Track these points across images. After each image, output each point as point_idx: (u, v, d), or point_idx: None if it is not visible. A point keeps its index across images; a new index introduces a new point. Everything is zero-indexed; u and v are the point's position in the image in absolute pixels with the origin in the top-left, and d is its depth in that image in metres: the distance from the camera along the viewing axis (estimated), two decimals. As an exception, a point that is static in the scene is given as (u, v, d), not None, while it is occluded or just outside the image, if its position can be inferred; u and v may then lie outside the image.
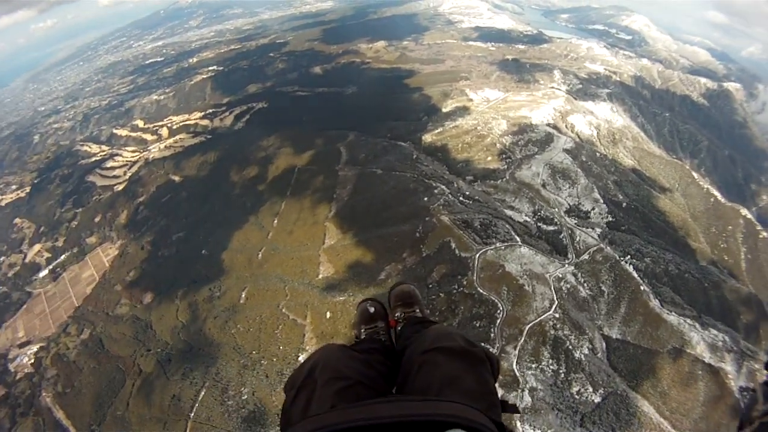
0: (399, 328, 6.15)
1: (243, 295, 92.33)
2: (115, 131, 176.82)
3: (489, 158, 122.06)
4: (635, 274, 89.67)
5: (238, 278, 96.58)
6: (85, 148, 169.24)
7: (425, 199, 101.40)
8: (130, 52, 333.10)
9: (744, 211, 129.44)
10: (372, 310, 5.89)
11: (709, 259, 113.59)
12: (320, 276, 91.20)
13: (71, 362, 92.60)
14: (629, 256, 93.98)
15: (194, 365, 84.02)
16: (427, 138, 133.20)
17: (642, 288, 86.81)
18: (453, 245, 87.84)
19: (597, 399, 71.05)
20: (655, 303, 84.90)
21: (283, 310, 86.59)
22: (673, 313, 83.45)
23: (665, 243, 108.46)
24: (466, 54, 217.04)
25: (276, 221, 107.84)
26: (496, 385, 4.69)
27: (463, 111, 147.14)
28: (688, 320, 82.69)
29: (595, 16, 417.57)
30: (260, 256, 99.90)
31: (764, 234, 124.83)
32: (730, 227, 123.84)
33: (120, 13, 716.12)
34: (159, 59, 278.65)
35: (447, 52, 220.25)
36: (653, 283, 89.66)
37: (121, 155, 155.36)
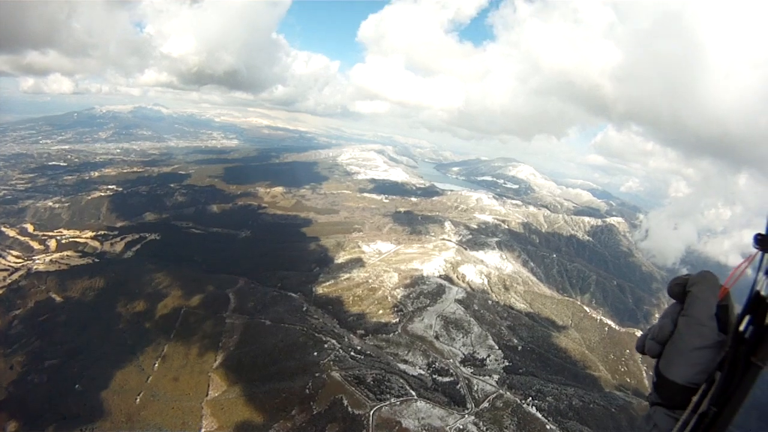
0: None
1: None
2: (3, 229, 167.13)
3: (381, 311, 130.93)
4: (539, 415, 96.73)
5: (113, 423, 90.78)
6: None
7: (315, 353, 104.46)
8: (36, 147, 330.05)
9: (638, 333, 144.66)
10: None
11: (612, 385, 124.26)
12: (203, 431, 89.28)
13: None
14: (530, 398, 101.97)
15: None
16: (318, 290, 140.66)
17: (548, 427, 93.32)
18: (345, 402, 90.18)
19: None
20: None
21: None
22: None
23: (566, 378, 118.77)
24: (360, 205, 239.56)
25: (157, 365, 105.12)
26: None
27: (356, 263, 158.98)
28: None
29: (484, 168, 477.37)
30: (138, 401, 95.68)
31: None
32: (627, 351, 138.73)
33: (37, 103, 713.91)
34: (62, 163, 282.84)
35: (342, 203, 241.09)
36: (558, 419, 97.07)
37: (4, 258, 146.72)
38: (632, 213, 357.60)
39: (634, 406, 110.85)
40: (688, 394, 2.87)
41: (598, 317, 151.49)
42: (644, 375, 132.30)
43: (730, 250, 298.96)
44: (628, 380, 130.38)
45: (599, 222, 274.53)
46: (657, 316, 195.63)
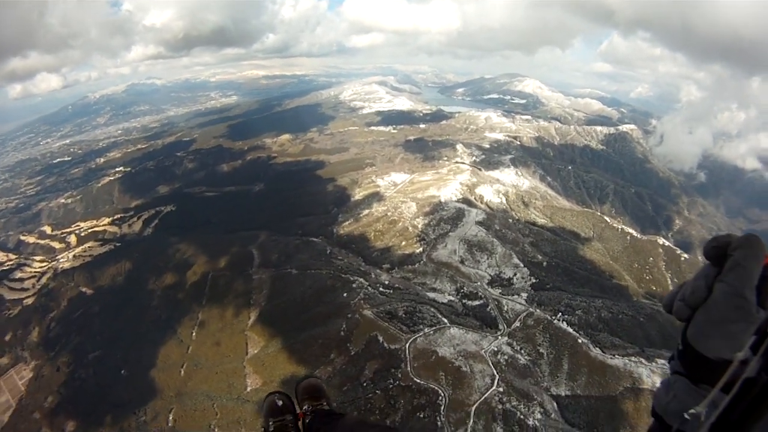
0: (307, 420, 6.37)
1: (171, 418, 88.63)
2: (22, 238, 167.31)
3: (403, 243, 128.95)
4: (570, 329, 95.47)
5: (164, 399, 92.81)
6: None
7: (344, 295, 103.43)
8: (38, 149, 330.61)
9: (661, 240, 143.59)
10: (280, 403, 6.09)
11: (639, 293, 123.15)
12: (249, 389, 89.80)
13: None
14: (560, 313, 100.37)
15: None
16: (339, 231, 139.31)
17: (579, 341, 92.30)
18: (380, 339, 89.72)
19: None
20: (596, 352, 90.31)
21: (216, 430, 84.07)
22: (617, 356, 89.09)
23: (592, 290, 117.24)
24: (369, 140, 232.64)
25: (195, 333, 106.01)
26: None
27: (372, 198, 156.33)
28: (633, 358, 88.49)
29: (489, 86, 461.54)
30: (182, 372, 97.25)
31: (685, 256, 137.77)
32: (651, 259, 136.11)
33: (29, 106, 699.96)
34: (67, 158, 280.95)
35: (351, 140, 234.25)
36: (589, 332, 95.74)
37: (29, 265, 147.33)
38: (645, 119, 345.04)
39: (663, 315, 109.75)
40: (717, 369, 2.47)
41: (620, 226, 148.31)
42: (669, 282, 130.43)
43: (747, 154, 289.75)
44: (654, 288, 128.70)
45: (612, 130, 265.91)
46: (678, 222, 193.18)
